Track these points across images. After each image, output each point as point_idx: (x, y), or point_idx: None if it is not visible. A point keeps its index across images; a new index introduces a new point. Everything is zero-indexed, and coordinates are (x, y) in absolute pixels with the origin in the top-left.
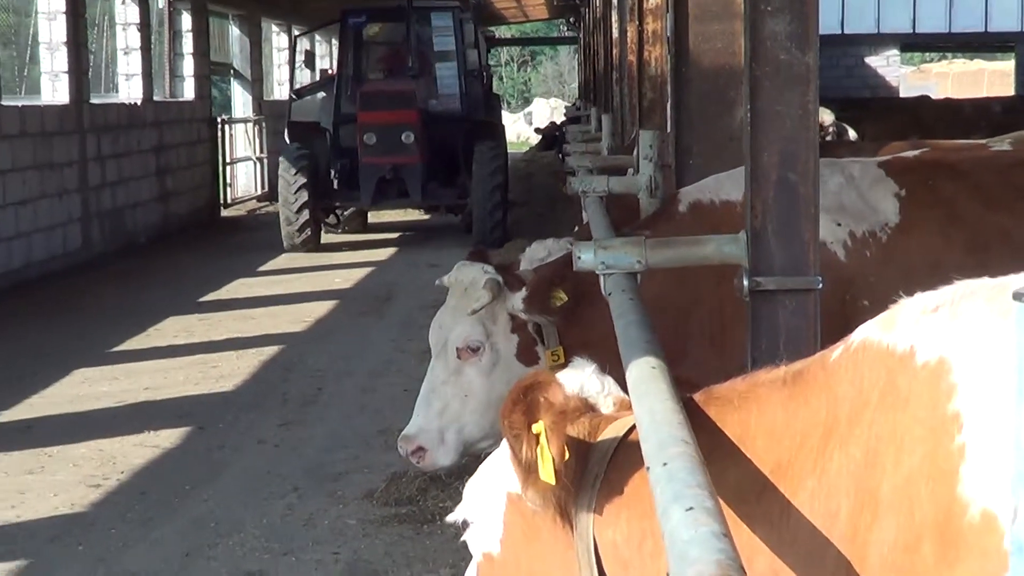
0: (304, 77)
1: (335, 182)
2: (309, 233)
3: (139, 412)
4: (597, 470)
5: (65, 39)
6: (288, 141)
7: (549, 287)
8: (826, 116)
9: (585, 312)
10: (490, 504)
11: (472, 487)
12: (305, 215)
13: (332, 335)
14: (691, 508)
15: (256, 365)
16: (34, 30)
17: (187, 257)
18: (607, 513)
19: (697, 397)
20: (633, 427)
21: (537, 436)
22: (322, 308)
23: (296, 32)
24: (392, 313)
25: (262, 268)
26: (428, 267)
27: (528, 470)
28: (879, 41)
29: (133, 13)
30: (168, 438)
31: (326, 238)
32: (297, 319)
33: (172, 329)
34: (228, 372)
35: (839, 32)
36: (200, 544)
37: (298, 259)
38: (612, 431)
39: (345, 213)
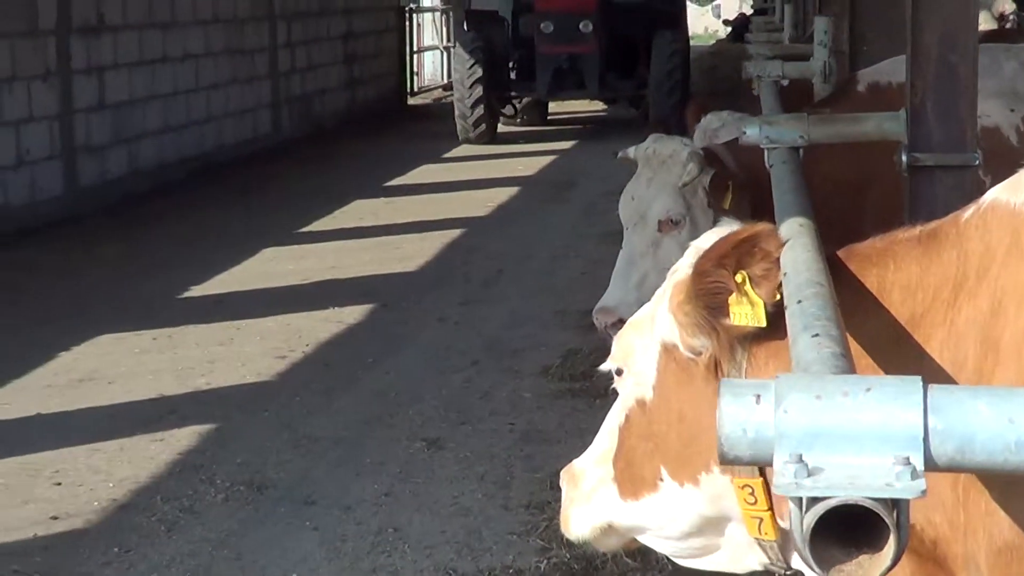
0: None
1: (512, 72)
2: (484, 127)
3: (324, 289)
4: None
5: None
6: (466, 29)
7: (726, 183)
8: (1007, 5)
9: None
10: (644, 353)
11: (621, 338)
12: (480, 110)
13: (514, 220)
14: (817, 335)
15: (439, 247)
16: None
17: (373, 143)
18: (758, 361)
19: (840, 253)
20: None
21: (741, 284)
22: (504, 194)
23: None
24: (574, 199)
25: (446, 155)
26: (610, 156)
27: (710, 319)
28: None
29: None
30: (352, 314)
31: (503, 129)
32: (480, 204)
33: (357, 212)
34: (411, 253)
35: None
36: (380, 413)
37: (481, 147)
38: None
39: (522, 103)
